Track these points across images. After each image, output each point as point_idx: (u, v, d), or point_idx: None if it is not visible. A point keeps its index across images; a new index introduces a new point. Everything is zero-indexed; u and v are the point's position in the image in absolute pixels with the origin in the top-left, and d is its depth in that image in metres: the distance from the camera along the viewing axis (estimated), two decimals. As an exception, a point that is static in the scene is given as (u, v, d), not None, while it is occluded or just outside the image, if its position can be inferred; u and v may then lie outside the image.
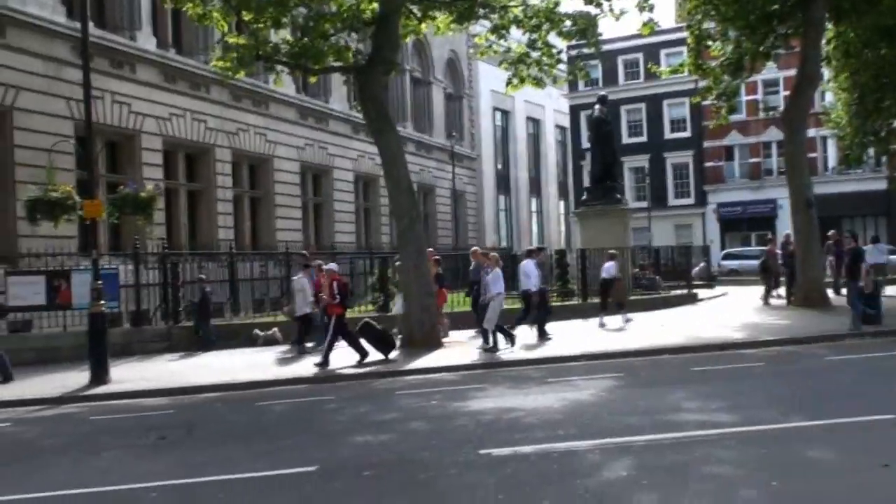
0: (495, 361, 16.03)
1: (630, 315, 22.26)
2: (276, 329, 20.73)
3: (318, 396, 13.27)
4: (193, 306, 20.86)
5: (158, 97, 26.35)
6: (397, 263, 21.12)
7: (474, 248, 21.71)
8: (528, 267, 18.99)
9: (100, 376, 15.13)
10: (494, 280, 17.27)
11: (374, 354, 16.56)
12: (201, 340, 20.11)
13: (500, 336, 17.30)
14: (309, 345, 18.73)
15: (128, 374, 16.09)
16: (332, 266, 17.35)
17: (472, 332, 19.63)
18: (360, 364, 16.04)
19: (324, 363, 15.98)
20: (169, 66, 26.94)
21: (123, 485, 8.12)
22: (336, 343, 16.47)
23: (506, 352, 17.02)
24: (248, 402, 13.10)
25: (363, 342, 16.55)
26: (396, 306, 19.81)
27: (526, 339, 18.35)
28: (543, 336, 18.72)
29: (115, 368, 15.93)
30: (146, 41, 26.04)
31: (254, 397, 13.55)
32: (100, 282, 15.75)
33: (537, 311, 19.23)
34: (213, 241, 27.59)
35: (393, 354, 16.80)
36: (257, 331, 20.81)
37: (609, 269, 21.92)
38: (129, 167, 25.53)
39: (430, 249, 21.46)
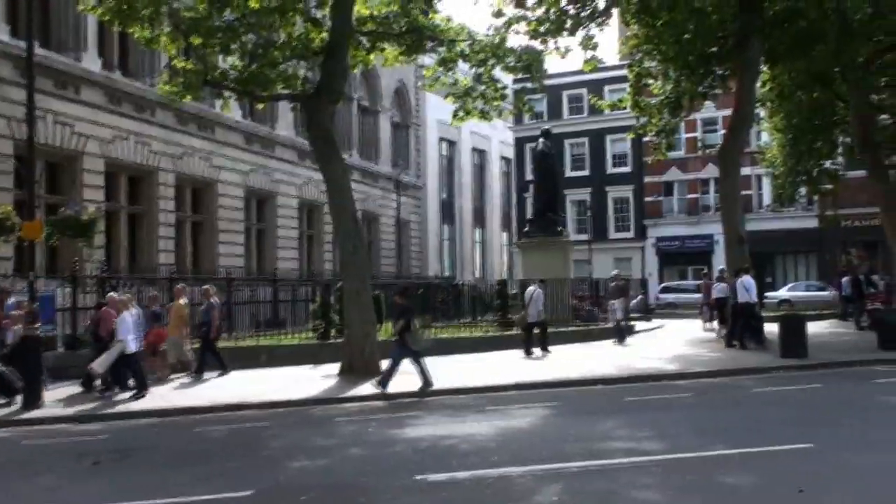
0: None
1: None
2: None
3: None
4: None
5: (102, 119, 26.14)
6: (116, 295, 19.78)
7: (206, 286, 20.04)
8: (748, 281, 20.59)
9: (32, 400, 14.85)
10: (120, 324, 15.90)
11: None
12: None
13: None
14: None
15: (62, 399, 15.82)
16: None
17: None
18: None
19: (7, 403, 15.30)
20: (114, 88, 26.76)
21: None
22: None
23: None
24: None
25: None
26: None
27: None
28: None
29: (48, 392, 15.68)
30: (91, 62, 25.87)
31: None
32: (36, 304, 15.57)
33: (739, 323, 21.10)
34: (154, 265, 27.34)
35: (18, 398, 15.11)
36: None
37: (724, 289, 23.37)
38: (69, 188, 25.24)
39: (163, 291, 19.89)
